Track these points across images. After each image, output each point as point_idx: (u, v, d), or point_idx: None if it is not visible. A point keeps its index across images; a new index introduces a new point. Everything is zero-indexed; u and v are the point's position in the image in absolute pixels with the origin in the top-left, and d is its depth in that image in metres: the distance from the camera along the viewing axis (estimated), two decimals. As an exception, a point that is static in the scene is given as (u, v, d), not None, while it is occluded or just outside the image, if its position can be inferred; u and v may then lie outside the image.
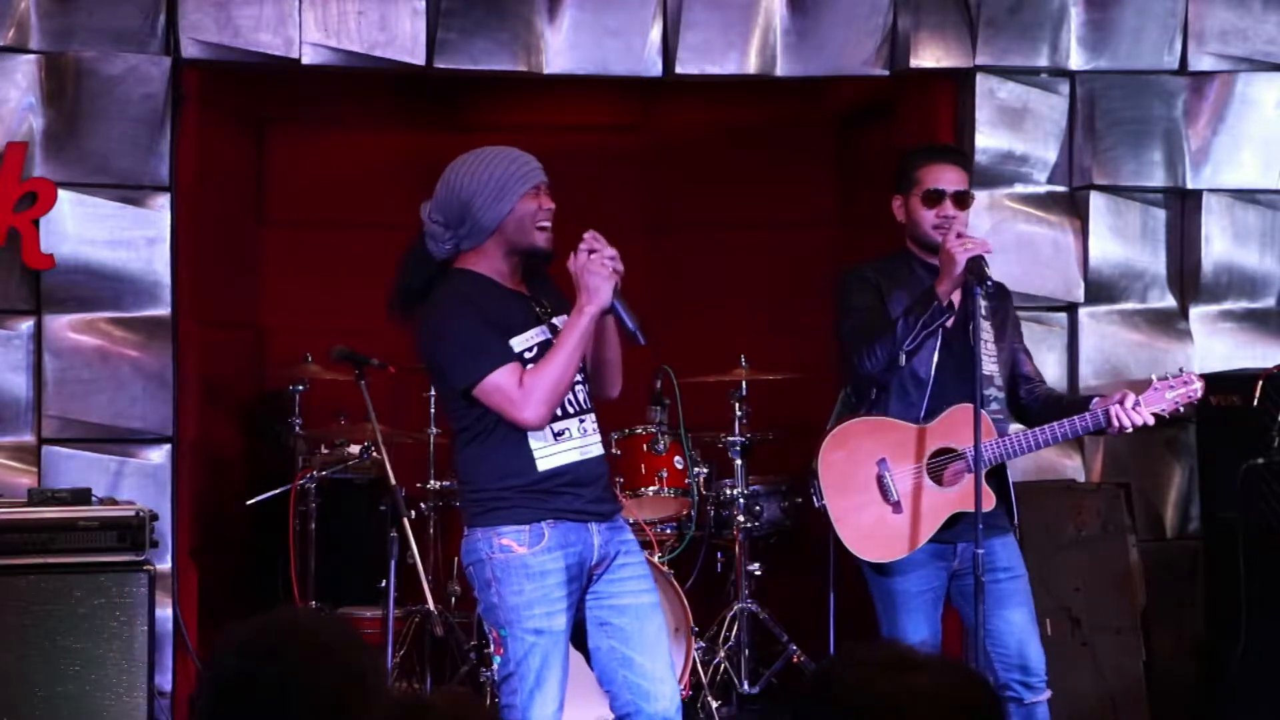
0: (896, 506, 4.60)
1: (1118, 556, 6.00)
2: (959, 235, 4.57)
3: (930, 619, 4.63)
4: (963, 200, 4.71)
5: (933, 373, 4.60)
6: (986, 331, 4.66)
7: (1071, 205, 6.38)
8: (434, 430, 6.57)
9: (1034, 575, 4.78)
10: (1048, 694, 4.66)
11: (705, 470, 6.52)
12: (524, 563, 4.07)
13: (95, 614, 5.30)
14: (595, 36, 6.18)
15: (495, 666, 4.17)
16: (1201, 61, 6.41)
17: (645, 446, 6.33)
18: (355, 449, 6.32)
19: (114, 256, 5.94)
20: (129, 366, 5.95)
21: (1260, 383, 5.79)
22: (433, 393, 6.35)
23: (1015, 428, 4.75)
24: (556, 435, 4.13)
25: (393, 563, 5.35)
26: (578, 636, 4.19)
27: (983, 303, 4.57)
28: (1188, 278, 6.45)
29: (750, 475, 6.60)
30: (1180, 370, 4.76)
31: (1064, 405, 4.75)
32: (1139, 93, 6.37)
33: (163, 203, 6.00)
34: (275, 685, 2.29)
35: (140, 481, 5.91)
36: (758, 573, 6.56)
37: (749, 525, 6.55)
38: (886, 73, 6.33)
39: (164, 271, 5.98)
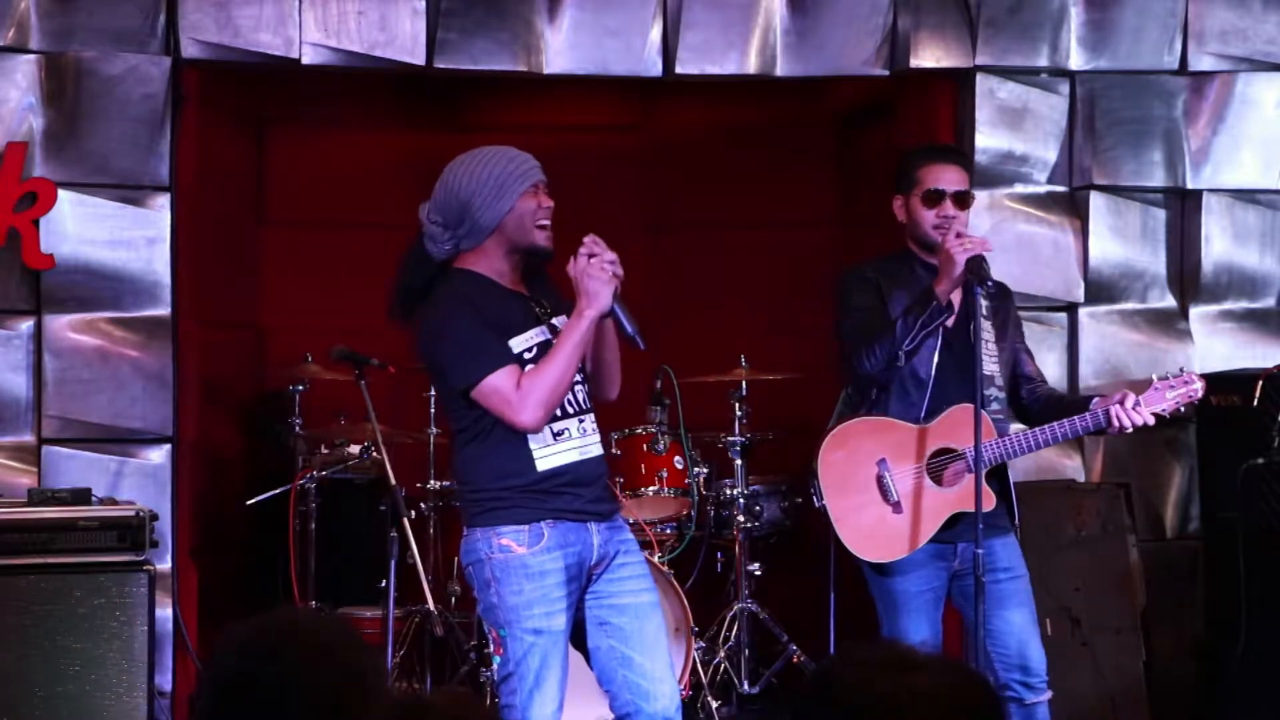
0: (896, 507, 4.60)
1: (1118, 556, 6.00)
2: (958, 235, 4.57)
3: (931, 619, 4.62)
4: (963, 200, 4.71)
5: (933, 373, 4.60)
6: (987, 331, 4.66)
7: (1071, 205, 6.38)
8: (434, 430, 6.57)
9: (1034, 575, 4.77)
10: (1048, 694, 4.65)
11: (705, 470, 6.52)
12: (523, 563, 4.07)
13: (95, 614, 5.30)
14: (595, 36, 6.18)
15: (495, 666, 4.17)
16: (1201, 61, 6.41)
17: (645, 446, 6.33)
18: (355, 449, 6.32)
19: (114, 256, 5.94)
20: (129, 366, 5.95)
21: (1260, 383, 5.79)
22: (433, 393, 6.35)
23: (1016, 428, 4.75)
24: (556, 435, 4.14)
25: (393, 563, 5.35)
26: (577, 636, 4.19)
27: (984, 302, 4.57)
28: (1188, 278, 6.45)
29: (750, 475, 6.60)
30: (1181, 370, 4.75)
31: (1065, 405, 4.75)
32: (1139, 93, 6.37)
33: (163, 203, 6.00)
34: (275, 685, 2.29)
35: (140, 481, 5.91)
36: (758, 573, 6.56)
37: (749, 525, 6.55)
38: (886, 73, 6.33)
39: (164, 271, 5.98)
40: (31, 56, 5.91)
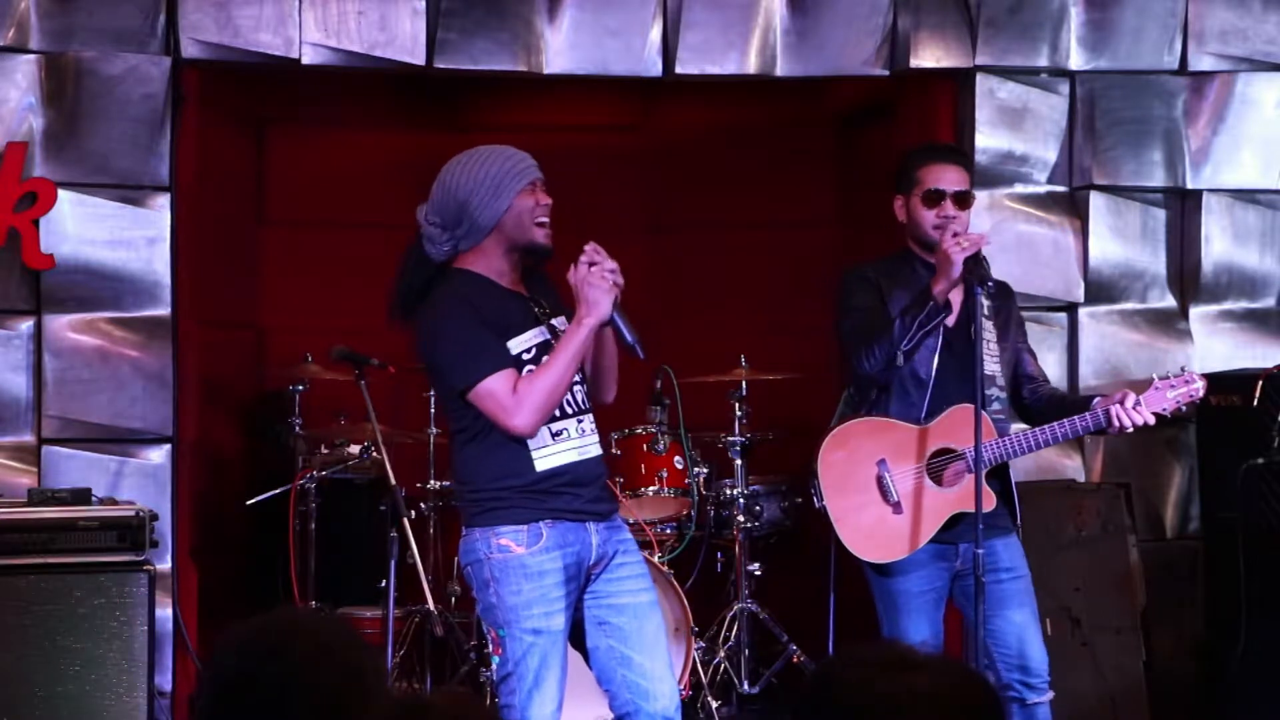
0: (896, 507, 4.60)
1: (1118, 556, 6.00)
2: (955, 235, 4.57)
3: (931, 619, 4.62)
4: (963, 200, 4.71)
5: (933, 373, 4.60)
6: (988, 331, 4.65)
7: (1071, 205, 6.38)
8: (434, 430, 6.57)
9: (1034, 575, 4.76)
10: (1050, 694, 4.65)
11: (705, 470, 6.52)
12: (522, 562, 4.07)
13: (95, 614, 5.30)
14: (595, 36, 6.18)
15: (494, 666, 4.16)
16: (1201, 61, 6.41)
17: (645, 446, 6.33)
18: (355, 449, 6.32)
19: (114, 256, 5.94)
20: (129, 366, 5.95)
21: (1260, 383, 5.79)
22: (432, 393, 6.35)
23: (1018, 427, 4.75)
24: (555, 435, 4.14)
25: (393, 563, 5.35)
26: (576, 636, 4.19)
27: (985, 302, 4.57)
28: (1188, 278, 6.45)
29: (750, 475, 6.60)
30: (1182, 369, 4.75)
31: (1066, 405, 4.75)
32: (1139, 93, 6.37)
33: (163, 203, 6.00)
34: (275, 685, 2.29)
35: (140, 481, 5.91)
36: (758, 573, 6.56)
37: (749, 525, 6.55)
38: (886, 73, 6.33)
39: (164, 271, 5.98)
40: (31, 56, 5.91)
